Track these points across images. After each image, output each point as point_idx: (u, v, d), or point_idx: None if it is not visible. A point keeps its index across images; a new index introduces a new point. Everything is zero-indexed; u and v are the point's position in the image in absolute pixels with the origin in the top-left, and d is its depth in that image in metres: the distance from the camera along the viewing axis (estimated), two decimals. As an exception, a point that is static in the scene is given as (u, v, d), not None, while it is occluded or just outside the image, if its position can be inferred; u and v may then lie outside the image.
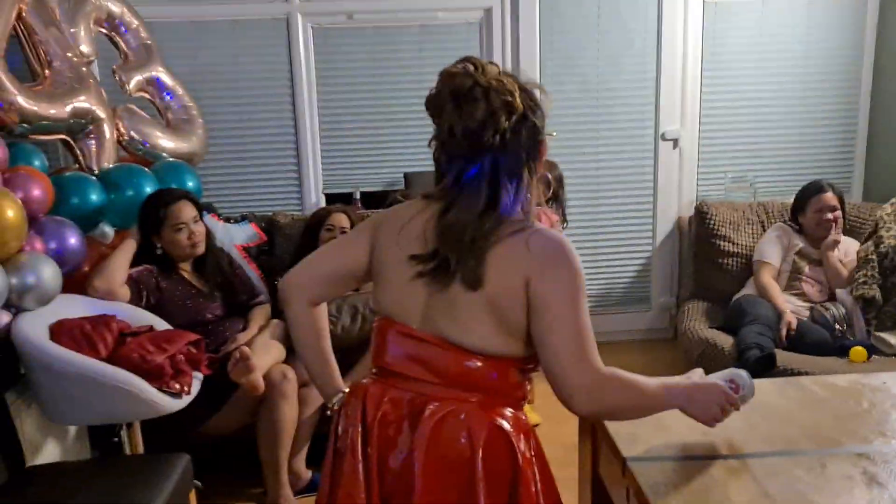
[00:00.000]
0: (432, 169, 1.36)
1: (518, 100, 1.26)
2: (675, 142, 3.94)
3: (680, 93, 3.89)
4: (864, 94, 3.94)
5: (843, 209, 3.25)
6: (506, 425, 1.29)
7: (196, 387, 2.28)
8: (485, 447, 1.26)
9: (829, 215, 3.18)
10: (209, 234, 2.75)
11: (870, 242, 3.14)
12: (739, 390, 1.38)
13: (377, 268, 1.38)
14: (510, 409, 1.32)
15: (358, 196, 3.74)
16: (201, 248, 2.68)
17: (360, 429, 1.32)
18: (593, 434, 1.57)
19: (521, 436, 1.30)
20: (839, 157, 4.03)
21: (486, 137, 1.24)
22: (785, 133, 3.98)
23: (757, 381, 1.51)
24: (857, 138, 4.00)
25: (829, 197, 3.21)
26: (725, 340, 3.01)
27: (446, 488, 1.26)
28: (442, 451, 1.26)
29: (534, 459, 1.31)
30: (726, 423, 1.43)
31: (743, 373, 1.41)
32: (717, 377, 1.39)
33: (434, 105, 1.29)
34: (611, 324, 4.03)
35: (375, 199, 3.75)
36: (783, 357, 2.79)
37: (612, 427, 1.46)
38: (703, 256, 3.54)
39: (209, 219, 2.96)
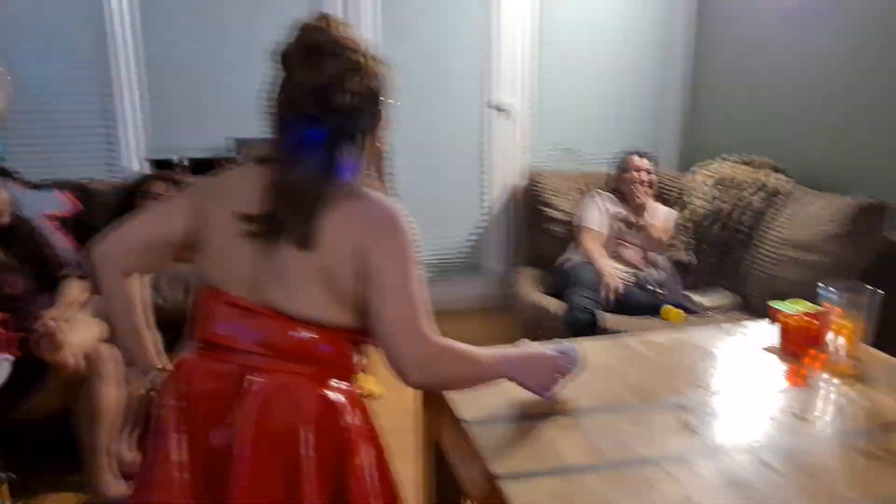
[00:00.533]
0: (264, 135, 1.30)
1: (370, 64, 1.24)
2: (508, 112, 4.03)
3: (512, 63, 3.98)
4: (678, 71, 4.21)
5: (656, 175, 3.48)
6: (335, 398, 1.25)
7: (6, 369, 2.09)
8: (314, 421, 1.22)
9: (639, 175, 3.40)
10: (13, 203, 2.51)
11: (684, 210, 3.36)
12: (568, 359, 1.42)
13: (202, 235, 1.30)
14: (340, 382, 1.29)
15: (186, 162, 3.53)
16: (5, 218, 2.44)
17: (179, 405, 1.24)
18: (433, 401, 1.58)
19: (351, 408, 1.27)
20: (655, 129, 4.29)
21: (335, 97, 1.20)
22: (609, 106, 4.19)
23: (585, 342, 1.57)
24: (671, 111, 4.27)
25: (639, 160, 3.43)
26: (555, 305, 3.14)
27: (272, 465, 1.21)
28: (269, 427, 1.21)
29: (364, 432, 1.29)
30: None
31: (572, 346, 1.45)
32: (548, 350, 1.43)
33: (285, 58, 1.22)
34: (445, 292, 4.07)
35: (204, 166, 3.56)
36: (608, 319, 2.94)
37: (452, 392, 1.47)
38: (534, 224, 3.66)
39: (11, 185, 2.69)
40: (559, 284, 3.30)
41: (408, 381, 1.25)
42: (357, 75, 1.22)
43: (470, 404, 1.42)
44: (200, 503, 1.23)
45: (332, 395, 1.25)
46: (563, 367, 1.40)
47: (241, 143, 3.50)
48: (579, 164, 4.01)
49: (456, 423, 1.39)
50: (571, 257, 3.42)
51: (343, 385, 1.29)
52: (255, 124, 1.31)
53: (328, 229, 1.21)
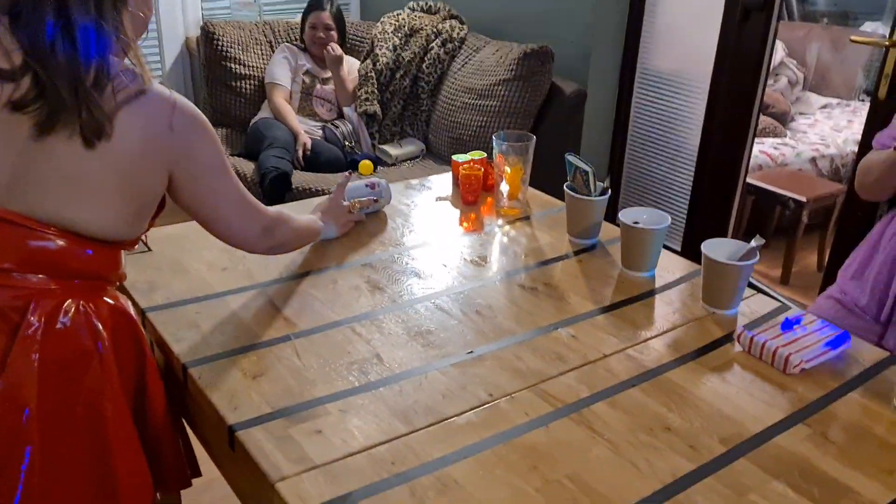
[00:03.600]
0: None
1: None
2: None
3: None
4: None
5: (343, 27, 3.40)
6: (126, 307, 1.15)
7: None
8: (111, 335, 1.09)
9: (322, 34, 3.30)
10: None
11: (368, 60, 3.36)
12: (378, 192, 1.68)
13: None
14: (111, 289, 1.16)
15: None
16: None
17: None
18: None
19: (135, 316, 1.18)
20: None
21: None
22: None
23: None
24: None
25: (325, 15, 3.31)
26: (247, 166, 3.03)
27: (70, 391, 1.06)
28: (59, 352, 1.04)
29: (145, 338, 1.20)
30: (245, 257, 1.44)
31: (383, 181, 1.71)
32: (360, 183, 1.67)
33: None
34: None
35: None
36: (300, 177, 2.92)
37: (128, 278, 1.37)
38: (216, 80, 3.43)
39: None
40: (250, 144, 3.18)
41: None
42: None
43: (149, 289, 1.34)
44: None
45: (120, 304, 1.15)
46: (352, 208, 1.61)
47: None
48: (257, 13, 3.79)
49: (136, 310, 1.30)
50: (262, 115, 3.30)
51: (115, 292, 1.17)
52: None
53: (129, 131, 1.03)
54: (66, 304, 1.06)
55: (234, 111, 3.44)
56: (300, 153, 3.06)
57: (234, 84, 3.41)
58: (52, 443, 1.05)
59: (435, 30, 3.35)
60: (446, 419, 1.05)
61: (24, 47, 0.99)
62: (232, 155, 3.19)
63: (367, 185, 1.68)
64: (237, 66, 3.41)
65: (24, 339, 1.02)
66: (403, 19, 3.42)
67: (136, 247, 1.20)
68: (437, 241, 1.60)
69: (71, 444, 1.07)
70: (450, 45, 3.31)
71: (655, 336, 1.28)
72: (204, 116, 1.16)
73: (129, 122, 1.04)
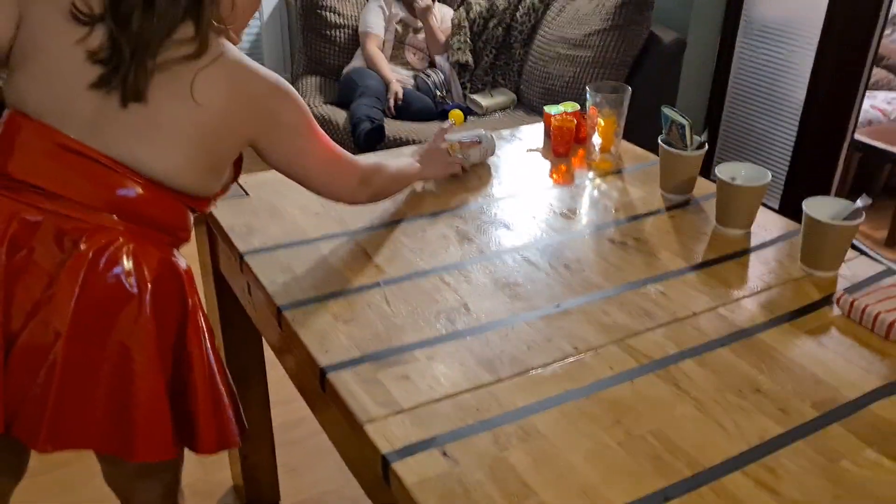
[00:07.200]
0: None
1: None
2: None
3: None
4: None
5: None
6: (178, 262, 1.17)
7: None
8: (154, 283, 1.10)
9: None
10: None
11: (462, 9, 3.32)
12: (481, 143, 1.67)
13: (25, 45, 1.08)
14: (174, 248, 1.19)
15: None
16: None
17: None
18: (210, 232, 1.53)
19: (187, 276, 1.19)
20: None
21: None
22: None
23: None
24: None
25: None
26: (339, 115, 3.07)
27: (101, 326, 1.08)
28: (101, 285, 1.07)
29: (200, 306, 1.20)
30: (336, 205, 1.48)
31: (487, 133, 1.71)
32: (466, 136, 1.66)
33: None
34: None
35: None
36: (392, 126, 2.94)
37: (227, 222, 1.42)
38: (312, 29, 3.47)
39: None
40: (343, 93, 3.22)
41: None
42: None
43: (247, 233, 1.39)
44: None
45: (174, 259, 1.16)
46: (451, 149, 1.62)
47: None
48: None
49: (234, 254, 1.36)
50: (355, 65, 3.33)
51: (177, 253, 1.19)
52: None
53: (207, 88, 1.08)
54: (116, 244, 1.08)
55: (328, 60, 3.47)
56: (392, 102, 3.08)
57: (328, 33, 3.44)
58: (77, 371, 1.07)
59: (530, -23, 3.27)
60: (531, 370, 1.06)
61: (108, 3, 1.05)
62: (325, 103, 3.24)
63: (472, 137, 1.66)
64: (332, 15, 3.43)
65: (70, 267, 1.05)
66: (498, -34, 3.36)
67: (229, 193, 1.25)
68: (527, 192, 1.60)
69: (95, 378, 1.08)
70: (545, -7, 3.23)
71: (748, 296, 1.24)
72: (283, 81, 1.18)
73: (213, 86, 1.09)
